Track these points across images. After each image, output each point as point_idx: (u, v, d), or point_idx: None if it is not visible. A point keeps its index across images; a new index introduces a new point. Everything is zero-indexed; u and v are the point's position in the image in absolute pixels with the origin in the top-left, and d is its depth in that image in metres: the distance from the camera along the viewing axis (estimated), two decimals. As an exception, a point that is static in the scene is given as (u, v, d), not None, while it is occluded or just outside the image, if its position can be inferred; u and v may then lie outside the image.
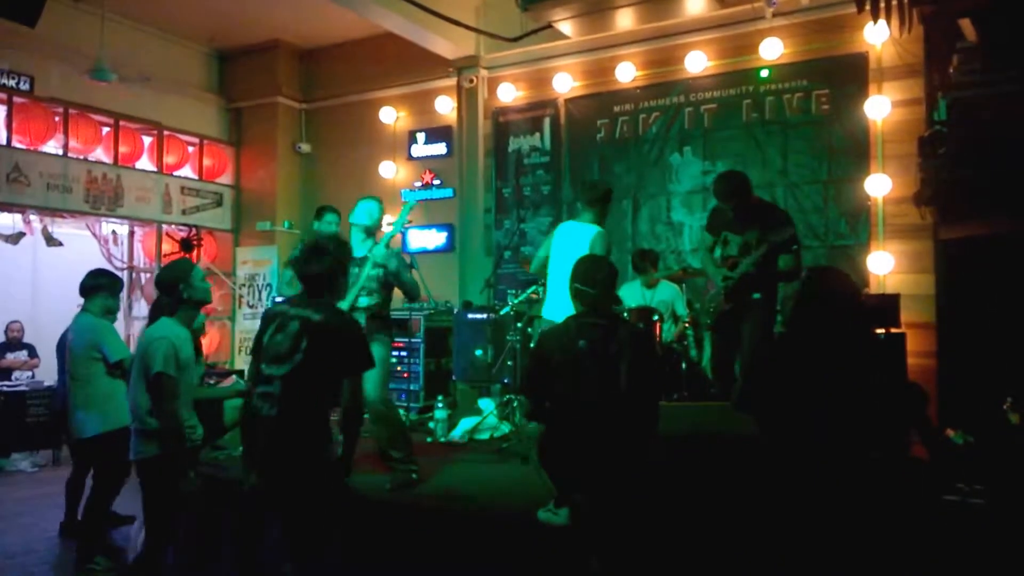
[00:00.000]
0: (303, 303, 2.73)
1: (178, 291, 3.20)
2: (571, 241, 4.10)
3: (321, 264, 2.77)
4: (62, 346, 4.55)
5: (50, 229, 6.78)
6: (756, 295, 4.10)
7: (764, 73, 5.87)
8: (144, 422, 3.12)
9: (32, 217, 6.68)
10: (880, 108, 5.46)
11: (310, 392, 2.63)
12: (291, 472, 2.61)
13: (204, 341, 6.13)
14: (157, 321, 3.29)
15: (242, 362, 7.61)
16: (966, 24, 4.89)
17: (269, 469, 2.63)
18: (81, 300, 4.07)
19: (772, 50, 5.78)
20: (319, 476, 2.65)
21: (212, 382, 5.26)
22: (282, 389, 2.61)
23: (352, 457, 3.69)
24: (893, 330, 4.77)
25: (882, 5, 4.61)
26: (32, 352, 6.85)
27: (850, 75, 5.58)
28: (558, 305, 4.06)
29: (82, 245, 7.24)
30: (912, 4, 4.98)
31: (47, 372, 6.50)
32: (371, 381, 3.71)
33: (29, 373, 6.76)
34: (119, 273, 6.07)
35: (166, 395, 3.02)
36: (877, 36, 5.41)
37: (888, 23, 4.88)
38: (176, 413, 3.04)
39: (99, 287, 3.95)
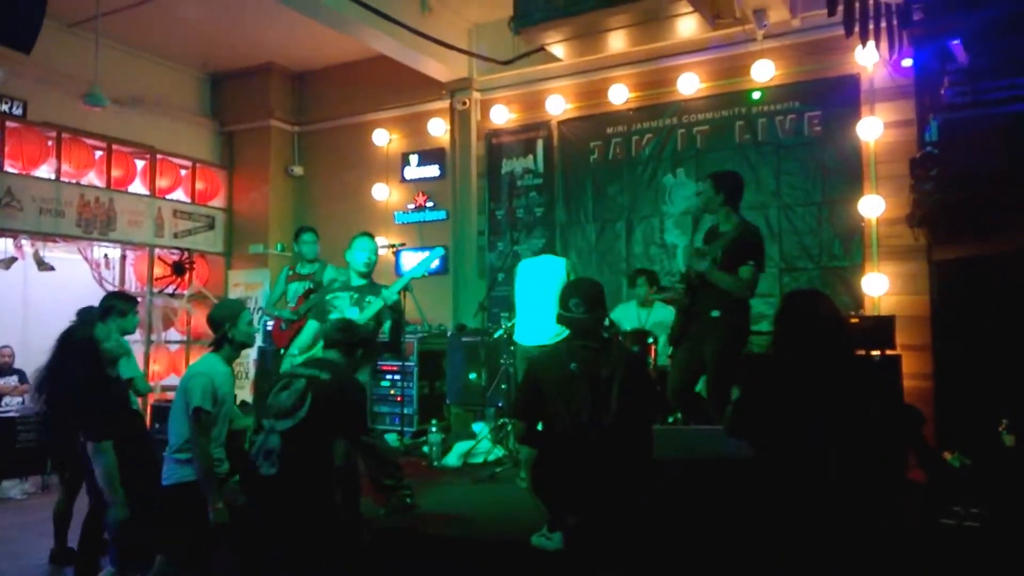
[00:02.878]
0: (314, 363, 2.86)
1: (223, 329, 3.28)
2: (540, 272, 4.60)
3: (348, 335, 3.07)
4: None
5: (41, 253, 6.73)
6: (714, 313, 3.89)
7: (756, 95, 5.90)
8: (179, 450, 3.19)
9: (24, 242, 6.64)
10: (872, 129, 5.47)
11: (310, 449, 2.67)
12: (293, 528, 2.63)
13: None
14: (201, 357, 3.38)
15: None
16: (956, 46, 4.95)
17: (272, 526, 2.65)
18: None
19: (764, 72, 5.80)
20: (321, 531, 2.65)
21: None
22: (283, 445, 2.65)
23: (357, 514, 3.61)
24: (889, 352, 4.75)
25: (871, 27, 4.67)
26: (23, 378, 6.75)
27: (842, 96, 5.60)
28: (529, 329, 4.56)
29: (74, 269, 7.19)
30: (902, 26, 5.04)
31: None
32: None
33: (19, 399, 6.65)
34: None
35: (201, 430, 3.09)
36: (868, 58, 5.45)
37: (878, 46, 4.93)
38: (207, 448, 3.09)
39: (110, 309, 3.98)
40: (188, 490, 3.12)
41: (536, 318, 4.55)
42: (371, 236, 4.29)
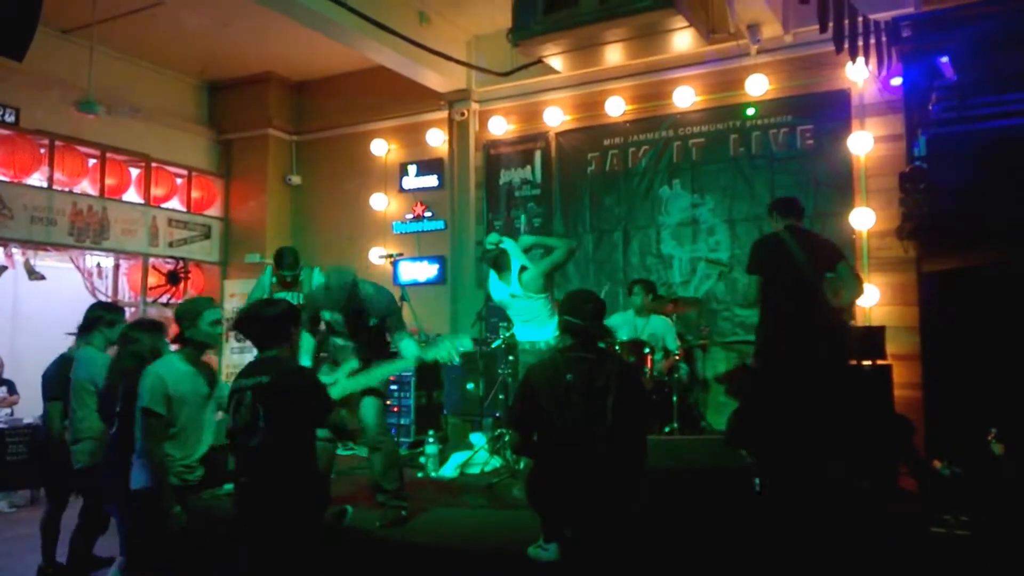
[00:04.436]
0: (253, 369, 2.74)
1: (182, 328, 3.21)
2: (514, 293, 4.45)
3: (272, 309, 2.82)
4: (46, 379, 4.46)
5: (32, 262, 6.66)
6: None
7: (750, 111, 5.99)
8: (140, 454, 3.10)
9: (14, 250, 6.58)
10: (863, 143, 5.58)
11: (285, 456, 2.62)
12: (282, 540, 2.60)
13: None
14: (161, 357, 3.28)
15: (229, 396, 7.52)
16: (944, 63, 5.07)
17: (260, 538, 2.62)
18: (63, 334, 4.13)
19: (757, 86, 5.92)
20: (309, 540, 2.63)
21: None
22: (256, 461, 2.61)
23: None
24: (879, 362, 4.82)
25: (861, 44, 4.77)
26: (11, 389, 6.63)
27: (833, 111, 5.72)
28: (526, 330, 4.48)
29: (65, 278, 7.12)
30: (891, 44, 5.15)
31: (27, 409, 6.36)
32: (369, 411, 3.75)
33: (8, 410, 6.55)
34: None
35: (146, 432, 3.00)
36: (858, 74, 5.55)
37: (867, 62, 5.03)
38: (154, 451, 3.00)
39: (97, 320, 3.96)
40: (142, 497, 3.03)
41: (530, 325, 4.54)
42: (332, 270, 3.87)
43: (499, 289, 4.53)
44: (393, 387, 6.19)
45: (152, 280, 7.42)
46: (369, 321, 3.82)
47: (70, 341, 4.49)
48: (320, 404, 2.79)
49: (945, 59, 5.08)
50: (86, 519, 3.92)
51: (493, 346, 5.53)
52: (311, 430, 2.75)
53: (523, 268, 4.41)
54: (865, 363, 4.77)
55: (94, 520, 3.89)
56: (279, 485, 2.60)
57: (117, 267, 7.48)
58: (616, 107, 6.48)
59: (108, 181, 7.16)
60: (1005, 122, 4.83)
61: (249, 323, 2.82)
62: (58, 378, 4.26)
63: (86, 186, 7.06)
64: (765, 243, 4.07)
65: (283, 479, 2.61)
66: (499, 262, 4.45)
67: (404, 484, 3.88)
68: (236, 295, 7.94)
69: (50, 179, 6.70)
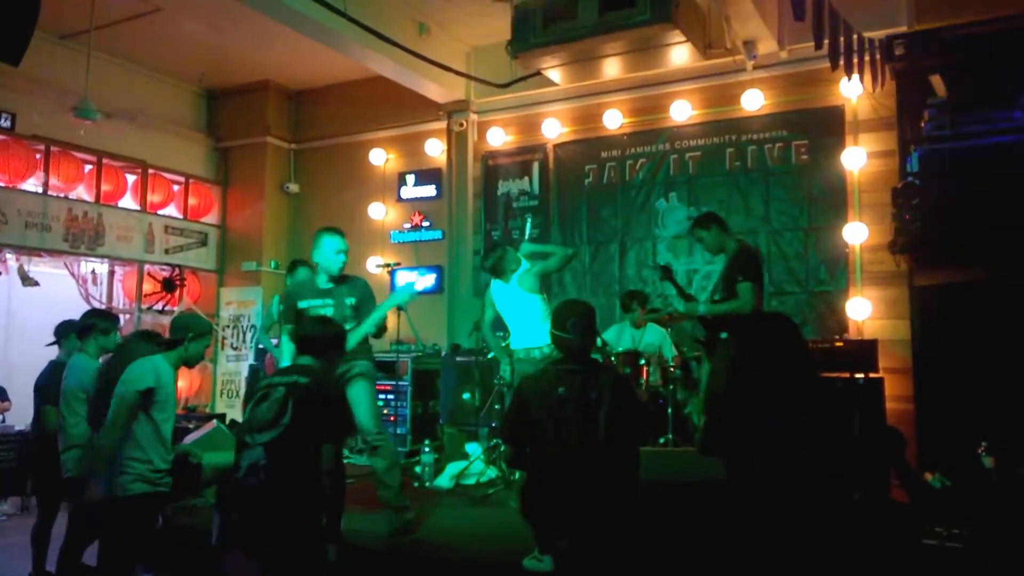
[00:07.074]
0: (290, 370, 2.81)
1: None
2: (511, 292, 4.61)
3: (326, 328, 3.00)
4: (40, 388, 4.44)
5: (27, 268, 6.62)
6: (723, 334, 4.14)
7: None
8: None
9: (8, 256, 6.54)
10: (856, 159, 5.66)
11: (297, 457, 2.63)
12: (282, 542, 2.59)
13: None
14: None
15: (223, 405, 7.48)
16: (936, 80, 5.15)
17: (260, 540, 2.61)
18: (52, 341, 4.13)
19: (753, 101, 5.99)
20: (311, 543, 2.63)
21: (192, 426, 5.17)
22: (268, 457, 2.61)
23: (338, 523, 3.58)
24: (872, 375, 4.88)
25: (855, 61, 4.86)
26: (3, 395, 6.56)
27: (827, 127, 5.80)
28: (522, 335, 4.57)
29: (59, 284, 7.07)
30: (884, 61, 5.24)
31: (18, 416, 6.30)
32: (364, 411, 3.75)
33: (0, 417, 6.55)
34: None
35: None
36: (852, 90, 5.64)
37: (861, 79, 5.11)
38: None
39: (91, 327, 3.94)
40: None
41: (525, 328, 4.59)
42: (341, 233, 4.07)
43: (500, 292, 4.60)
44: (390, 396, 6.21)
45: (147, 287, 7.40)
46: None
47: (57, 349, 4.48)
48: (344, 422, 2.88)
49: (937, 77, 5.16)
50: (75, 527, 3.90)
51: (489, 356, 5.54)
52: (328, 439, 2.75)
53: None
54: (858, 376, 4.82)
55: (83, 529, 3.87)
56: (287, 485, 2.60)
57: (112, 274, 7.44)
58: (614, 120, 6.54)
59: (104, 187, 7.13)
60: (996, 139, 4.90)
61: (317, 331, 3.03)
62: (55, 384, 4.24)
63: (82, 192, 7.03)
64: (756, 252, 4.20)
65: (292, 480, 2.60)
66: (498, 268, 4.58)
67: (403, 482, 3.93)
68: (233, 303, 7.95)
69: (45, 184, 6.68)
